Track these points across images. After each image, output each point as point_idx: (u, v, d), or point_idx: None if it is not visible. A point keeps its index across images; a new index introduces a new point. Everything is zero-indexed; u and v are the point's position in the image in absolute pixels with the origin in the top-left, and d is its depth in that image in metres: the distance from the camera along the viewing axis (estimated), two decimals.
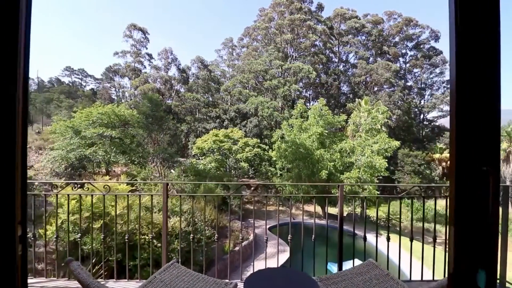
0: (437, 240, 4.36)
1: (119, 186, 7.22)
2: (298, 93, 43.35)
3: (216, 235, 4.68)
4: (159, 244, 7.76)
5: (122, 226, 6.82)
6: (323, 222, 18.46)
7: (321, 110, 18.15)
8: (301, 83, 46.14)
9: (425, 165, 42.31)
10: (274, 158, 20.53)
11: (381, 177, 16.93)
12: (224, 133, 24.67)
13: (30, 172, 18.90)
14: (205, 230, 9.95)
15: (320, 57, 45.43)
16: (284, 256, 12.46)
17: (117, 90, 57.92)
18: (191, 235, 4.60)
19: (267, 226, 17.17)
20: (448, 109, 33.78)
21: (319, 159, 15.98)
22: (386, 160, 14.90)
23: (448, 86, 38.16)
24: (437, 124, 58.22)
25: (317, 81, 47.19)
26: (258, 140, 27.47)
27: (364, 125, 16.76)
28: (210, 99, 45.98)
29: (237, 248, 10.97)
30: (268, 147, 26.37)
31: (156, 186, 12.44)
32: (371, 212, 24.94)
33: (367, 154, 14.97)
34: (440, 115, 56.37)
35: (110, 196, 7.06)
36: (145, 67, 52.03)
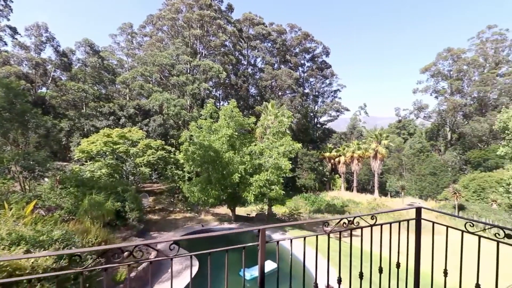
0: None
1: None
2: (208, 92, 42.11)
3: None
4: None
5: None
6: (233, 225, 18.11)
7: (232, 111, 17.66)
8: (211, 82, 45.14)
9: (319, 163, 49.10)
10: (181, 161, 18.68)
11: (285, 177, 17.86)
12: (119, 133, 20.79)
13: None
14: (88, 260, 7.63)
15: (230, 58, 45.63)
16: (193, 271, 11.17)
17: None
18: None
19: (173, 238, 15.27)
20: (336, 114, 39.43)
21: (229, 162, 15.38)
22: (291, 161, 15.76)
23: (335, 94, 44.22)
24: (327, 127, 68.76)
25: (227, 81, 47.29)
26: (163, 142, 24.73)
27: (272, 128, 17.28)
28: (103, 91, 38.93)
29: (133, 274, 8.93)
30: (175, 148, 24.11)
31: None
32: (277, 209, 26.49)
33: (274, 156, 15.42)
34: (329, 119, 66.88)
35: None
36: (5, 44, 39.33)
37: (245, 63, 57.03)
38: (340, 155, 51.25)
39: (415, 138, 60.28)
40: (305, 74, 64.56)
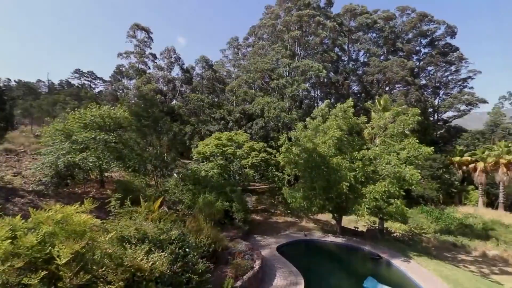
0: None
1: (77, 218, 5.23)
2: (306, 93, 41.07)
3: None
4: None
5: (74, 277, 4.75)
6: (339, 240, 16.25)
7: (345, 111, 15.74)
8: (308, 83, 43.96)
9: (444, 169, 39.46)
10: (282, 163, 18.33)
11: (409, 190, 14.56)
12: (227, 136, 22.67)
13: (18, 180, 17.29)
14: (199, 264, 7.89)
15: (330, 55, 43.11)
16: None
17: (121, 91, 56.89)
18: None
19: (276, 245, 15.06)
20: (466, 108, 30.13)
21: (336, 168, 13.78)
22: (419, 170, 12.60)
23: (464, 84, 34.38)
24: (452, 125, 55.22)
25: (325, 80, 44.90)
26: (265, 144, 25.40)
27: (391, 128, 14.46)
28: (215, 99, 44.20)
29: (238, 283, 8.78)
30: (275, 151, 24.30)
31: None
32: (391, 225, 22.47)
33: (393, 163, 12.71)
34: (455, 115, 53.35)
35: (59, 230, 5.09)
36: (149, 68, 50.83)
37: (346, 58, 52.82)
38: (476, 161, 39.76)
39: None
40: (421, 63, 53.90)
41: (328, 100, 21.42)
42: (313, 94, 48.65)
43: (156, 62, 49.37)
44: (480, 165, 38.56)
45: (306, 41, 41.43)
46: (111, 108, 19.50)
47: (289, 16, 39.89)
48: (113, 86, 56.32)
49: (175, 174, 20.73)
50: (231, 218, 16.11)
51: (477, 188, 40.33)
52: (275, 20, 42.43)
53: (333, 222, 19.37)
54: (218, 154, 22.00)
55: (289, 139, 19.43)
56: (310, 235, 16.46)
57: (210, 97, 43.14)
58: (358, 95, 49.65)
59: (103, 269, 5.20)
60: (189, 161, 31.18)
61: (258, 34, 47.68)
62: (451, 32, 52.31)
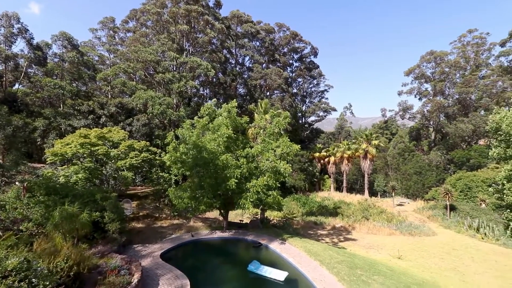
0: None
1: None
2: (195, 90, 40.26)
3: None
4: None
5: None
6: (226, 234, 16.77)
7: (229, 111, 16.21)
8: (197, 81, 43.40)
9: (309, 163, 48.53)
10: (168, 163, 17.01)
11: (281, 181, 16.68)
12: (98, 134, 18.89)
13: None
14: None
15: (218, 56, 44.08)
16: None
17: None
18: None
19: (160, 252, 13.80)
20: (323, 114, 38.92)
21: (224, 166, 14.05)
22: (290, 165, 14.66)
23: (322, 95, 44.39)
24: (314, 127, 68.62)
25: (214, 80, 45.67)
26: (148, 143, 22.94)
27: (269, 128, 16.10)
28: (82, 88, 36.30)
29: None
30: (160, 150, 22.41)
31: None
32: (270, 214, 25.31)
33: (271, 159, 14.27)
34: (316, 119, 66.75)
35: None
36: None
37: (233, 61, 55.66)
38: (330, 155, 50.98)
39: (397, 138, 61.25)
40: (294, 74, 64.05)
41: (215, 100, 21.69)
42: (202, 92, 48.41)
43: None
44: (332, 159, 49.64)
45: (195, 37, 40.61)
46: None
47: (176, 7, 37.84)
48: None
49: (17, 183, 15.62)
50: (103, 230, 13.57)
51: (330, 176, 51.88)
52: (160, 9, 39.20)
53: (221, 218, 19.82)
54: (84, 155, 18.04)
55: (177, 137, 18.33)
56: (198, 234, 16.14)
57: (74, 84, 35.03)
58: (244, 97, 53.38)
59: None
60: (43, 165, 24.35)
61: (140, 20, 42.67)
62: (314, 52, 64.78)
